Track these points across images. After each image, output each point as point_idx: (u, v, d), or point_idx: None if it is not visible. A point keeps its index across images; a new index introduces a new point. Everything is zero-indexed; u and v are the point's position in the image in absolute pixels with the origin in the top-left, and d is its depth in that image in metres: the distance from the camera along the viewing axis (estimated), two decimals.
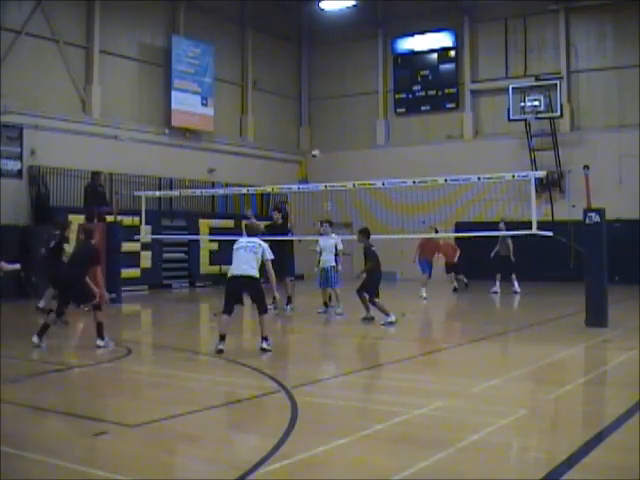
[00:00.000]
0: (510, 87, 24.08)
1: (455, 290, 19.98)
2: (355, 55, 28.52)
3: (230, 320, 9.65)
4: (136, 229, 17.35)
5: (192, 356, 9.80)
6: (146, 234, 17.69)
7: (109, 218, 17.55)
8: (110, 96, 21.98)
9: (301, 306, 15.63)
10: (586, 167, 12.43)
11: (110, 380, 8.22)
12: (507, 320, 14.51)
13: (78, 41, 21.38)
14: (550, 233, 12.07)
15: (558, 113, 23.57)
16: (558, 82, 23.77)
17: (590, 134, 24.15)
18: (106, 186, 20.59)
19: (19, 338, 10.92)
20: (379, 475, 4.74)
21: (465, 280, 20.33)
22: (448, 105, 26.97)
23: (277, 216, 15.49)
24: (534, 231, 11.71)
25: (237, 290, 9.71)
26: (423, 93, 27.41)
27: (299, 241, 16.52)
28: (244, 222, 11.82)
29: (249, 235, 10.07)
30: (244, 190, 18.62)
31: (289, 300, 15.07)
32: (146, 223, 16.24)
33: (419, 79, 27.47)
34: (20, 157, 19.36)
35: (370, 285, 12.74)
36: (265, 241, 10.29)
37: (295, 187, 16.55)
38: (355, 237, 13.46)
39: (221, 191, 22.34)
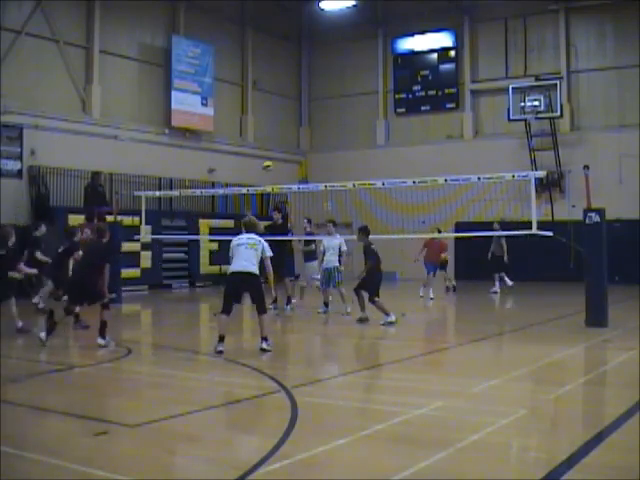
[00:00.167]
0: (510, 87, 24.09)
1: (448, 289, 19.83)
2: (355, 55, 28.54)
3: (229, 320, 9.64)
4: (136, 229, 17.35)
5: (192, 356, 9.80)
6: (146, 234, 17.69)
7: (109, 218, 17.55)
8: (110, 96, 21.99)
9: (301, 306, 15.62)
10: (586, 167, 12.43)
11: (110, 380, 8.22)
12: (507, 320, 14.51)
13: (78, 41, 21.40)
14: (550, 233, 12.06)
15: (558, 113, 23.58)
16: (558, 82, 23.78)
17: (590, 134, 24.16)
18: (106, 186, 20.63)
19: (19, 338, 10.94)
20: (379, 475, 4.73)
21: (453, 283, 20.05)
22: (448, 105, 26.98)
23: (277, 216, 15.50)
24: (534, 231, 11.71)
25: (237, 288, 9.65)
26: (423, 93, 27.43)
27: (299, 241, 16.52)
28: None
29: (248, 231, 10.00)
30: (244, 190, 18.62)
31: (289, 300, 15.08)
32: (146, 223, 16.24)
33: (419, 79, 27.48)
34: (20, 157, 19.38)
35: (370, 284, 12.70)
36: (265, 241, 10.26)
37: (295, 187, 16.55)
38: (355, 237, 13.42)
39: (221, 191, 22.35)
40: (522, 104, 23.63)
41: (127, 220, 18.37)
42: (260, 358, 9.19)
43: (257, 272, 9.60)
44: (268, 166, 15.02)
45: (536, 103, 23.44)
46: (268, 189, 16.68)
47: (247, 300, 10.15)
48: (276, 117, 28.63)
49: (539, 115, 23.59)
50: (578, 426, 6.24)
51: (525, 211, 14.77)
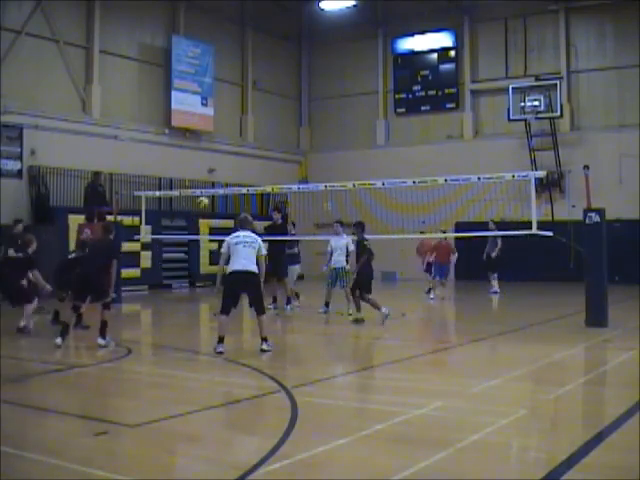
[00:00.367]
0: (510, 87, 24.09)
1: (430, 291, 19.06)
2: (355, 55, 28.53)
3: (229, 321, 9.63)
4: (136, 229, 17.34)
5: (192, 356, 9.80)
6: (146, 234, 17.68)
7: (109, 218, 17.54)
8: (110, 96, 21.98)
9: (301, 306, 15.62)
10: (586, 167, 12.43)
11: (110, 380, 8.22)
12: (507, 320, 14.51)
13: (78, 41, 21.39)
14: (550, 233, 12.06)
15: (558, 113, 23.58)
16: (558, 82, 23.78)
17: (590, 134, 24.16)
18: (106, 186, 20.62)
19: (19, 338, 10.94)
20: (379, 475, 4.74)
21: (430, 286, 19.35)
22: (448, 105, 26.98)
23: (277, 216, 15.50)
24: (534, 231, 11.70)
25: (237, 287, 9.61)
26: (423, 93, 27.42)
27: (299, 241, 16.52)
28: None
29: (243, 228, 9.89)
30: (244, 190, 18.63)
31: (289, 300, 15.08)
32: (146, 223, 16.24)
33: (419, 79, 27.48)
34: (20, 157, 19.37)
35: (363, 280, 12.74)
36: (264, 241, 10.24)
37: (295, 187, 16.55)
38: (355, 237, 13.43)
39: (221, 191, 22.34)
40: (522, 104, 23.63)
41: (127, 220, 18.36)
42: (260, 358, 9.19)
43: (257, 271, 9.60)
44: (202, 202, 15.24)
45: (536, 103, 23.45)
46: (268, 189, 16.69)
47: (245, 301, 10.14)
48: (276, 117, 28.64)
49: (539, 115, 23.59)
50: (578, 426, 6.24)
51: (525, 211, 14.76)
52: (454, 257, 18.63)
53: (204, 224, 23.02)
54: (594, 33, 24.66)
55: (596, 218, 11.90)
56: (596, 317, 11.84)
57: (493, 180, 13.60)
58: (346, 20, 27.59)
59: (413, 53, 27.69)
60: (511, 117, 24.15)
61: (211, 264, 22.94)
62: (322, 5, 27.09)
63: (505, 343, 11.20)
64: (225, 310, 9.52)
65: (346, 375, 8.61)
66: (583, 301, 12.12)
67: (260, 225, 15.39)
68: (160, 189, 22.00)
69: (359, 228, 13.03)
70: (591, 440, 5.43)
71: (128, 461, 5.09)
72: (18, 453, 5.16)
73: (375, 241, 17.76)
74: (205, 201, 15.58)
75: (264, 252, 9.79)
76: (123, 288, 17.32)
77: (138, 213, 16.35)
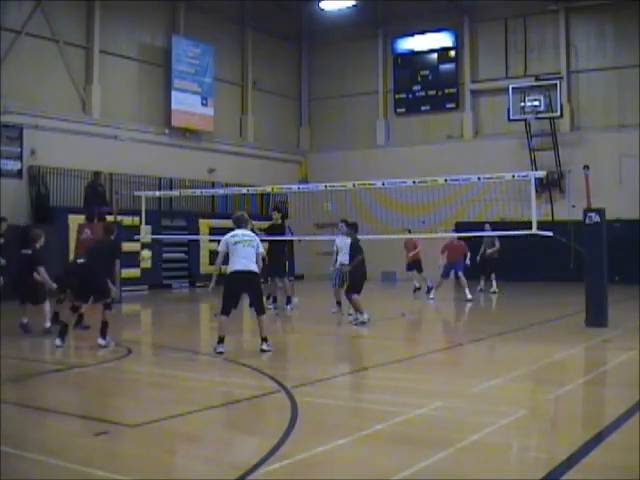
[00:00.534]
0: (510, 87, 24.09)
1: (417, 289, 19.02)
2: (355, 55, 28.54)
3: (229, 321, 9.63)
4: (136, 229, 17.34)
5: (192, 356, 9.80)
6: (146, 234, 17.67)
7: (109, 218, 17.54)
8: (110, 96, 21.98)
9: (301, 306, 15.63)
10: (586, 167, 12.43)
11: (110, 380, 8.22)
12: (507, 320, 14.51)
13: (78, 41, 21.39)
14: (550, 233, 12.05)
15: (558, 113, 23.58)
16: (558, 82, 23.78)
17: (590, 134, 24.17)
18: (106, 186, 20.60)
19: (19, 338, 10.94)
20: (379, 475, 4.74)
21: (417, 285, 19.05)
22: (448, 105, 26.99)
23: (276, 216, 15.49)
24: (534, 231, 11.69)
25: (237, 287, 9.58)
26: (423, 93, 27.43)
27: (299, 241, 16.52)
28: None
29: (240, 227, 9.85)
30: (244, 190, 18.63)
31: (289, 300, 15.07)
32: (146, 223, 16.23)
33: (419, 79, 27.49)
34: (20, 157, 19.38)
35: (354, 280, 12.77)
36: (265, 241, 10.21)
37: (295, 187, 16.55)
38: (350, 238, 13.41)
39: (221, 191, 22.35)
40: (522, 104, 23.63)
41: (127, 220, 18.36)
42: (260, 358, 9.19)
43: (257, 270, 9.58)
44: (143, 256, 15.35)
45: (536, 103, 23.45)
46: (268, 189, 16.69)
47: (245, 301, 10.14)
48: (276, 117, 28.64)
49: (539, 115, 23.59)
50: (578, 426, 6.24)
51: (525, 211, 14.75)
52: (412, 254, 18.61)
53: (204, 224, 23.03)
54: (594, 33, 24.67)
55: (596, 218, 11.89)
56: (596, 317, 11.83)
57: (493, 180, 13.60)
58: (346, 20, 27.59)
59: (413, 53, 27.70)
60: (511, 117, 24.15)
61: (211, 264, 22.91)
62: (322, 5, 27.09)
63: (505, 343, 11.20)
64: (225, 310, 9.50)
65: (346, 375, 8.61)
66: (583, 301, 12.11)
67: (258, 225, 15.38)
68: (160, 189, 22.00)
69: (353, 229, 13.05)
70: (591, 440, 5.43)
71: (128, 461, 5.09)
72: (18, 453, 5.15)
73: (375, 241, 17.85)
74: (146, 255, 15.63)
75: (261, 250, 9.80)
76: (123, 288, 17.31)
77: (138, 213, 16.34)
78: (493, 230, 18.37)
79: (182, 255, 23.03)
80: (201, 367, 9.15)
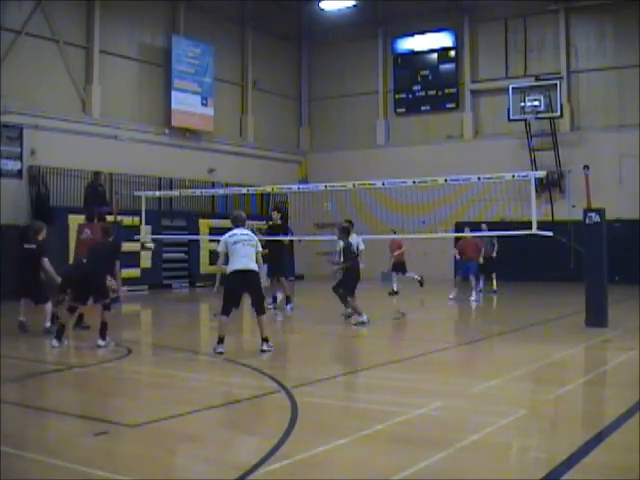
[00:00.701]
0: (510, 87, 24.10)
1: (393, 293, 18.79)
2: (355, 55, 28.54)
3: (229, 321, 9.63)
4: (136, 229, 17.33)
5: (192, 356, 9.80)
6: (146, 234, 17.67)
7: (109, 218, 17.53)
8: (110, 96, 21.98)
9: (301, 306, 15.62)
10: (586, 167, 12.43)
11: (110, 380, 8.22)
12: (507, 320, 14.51)
13: (78, 41, 21.39)
14: (550, 233, 12.06)
15: (558, 113, 23.59)
16: (558, 82, 23.78)
17: (590, 134, 24.16)
18: (106, 186, 20.61)
19: (19, 338, 10.94)
20: (379, 475, 4.74)
21: (417, 277, 18.63)
22: (448, 105, 26.99)
23: (276, 216, 15.49)
24: (534, 231, 11.70)
25: (238, 287, 9.57)
26: (423, 93, 27.43)
27: (299, 241, 16.51)
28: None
29: (238, 226, 9.83)
30: (244, 190, 18.63)
31: (289, 300, 15.07)
32: (146, 223, 16.23)
33: (419, 79, 27.49)
34: (20, 157, 19.37)
35: (347, 283, 12.77)
36: (265, 241, 10.21)
37: (295, 187, 16.55)
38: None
39: (221, 191, 22.34)
40: (522, 104, 23.64)
41: (127, 220, 18.35)
42: (260, 358, 9.19)
43: (257, 269, 9.59)
44: (148, 246, 15.18)
45: (536, 103, 23.45)
46: (268, 189, 16.69)
47: (246, 301, 10.14)
48: (276, 117, 28.64)
49: (539, 115, 23.59)
50: (578, 426, 6.24)
51: (525, 211, 14.75)
52: (397, 254, 18.48)
53: (204, 224, 23.02)
54: (594, 33, 24.66)
55: (596, 218, 11.89)
56: (596, 317, 11.83)
57: (493, 180, 13.60)
58: (346, 20, 27.60)
59: (413, 53, 27.70)
60: (511, 117, 24.15)
61: (211, 264, 22.90)
62: (322, 5, 27.11)
63: (505, 343, 11.20)
64: (226, 311, 9.49)
65: (346, 375, 8.61)
66: (583, 301, 12.11)
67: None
68: (160, 189, 21.99)
69: (345, 234, 13.06)
70: (591, 440, 5.43)
71: (128, 461, 5.09)
72: (18, 453, 5.15)
73: (375, 241, 17.85)
74: (149, 245, 15.44)
75: (260, 248, 9.82)
76: (123, 288, 17.29)
77: (138, 213, 16.34)
78: (494, 230, 18.34)
79: (182, 255, 23.02)
80: (201, 367, 9.15)
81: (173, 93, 23.71)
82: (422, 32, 27.26)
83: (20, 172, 19.36)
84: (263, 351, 9.45)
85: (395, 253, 18.74)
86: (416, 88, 27.54)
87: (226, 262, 9.70)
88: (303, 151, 29.75)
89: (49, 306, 11.40)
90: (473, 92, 26.61)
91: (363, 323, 12.47)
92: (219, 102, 25.53)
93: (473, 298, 17.22)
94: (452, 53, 27.02)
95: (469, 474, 4.79)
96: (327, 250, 15.20)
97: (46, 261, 11.34)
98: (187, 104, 24.09)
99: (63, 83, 20.97)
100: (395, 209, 21.51)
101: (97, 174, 19.82)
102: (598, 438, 5.51)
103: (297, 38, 29.89)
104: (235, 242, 9.55)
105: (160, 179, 22.85)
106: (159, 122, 23.68)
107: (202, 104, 24.65)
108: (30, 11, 19.91)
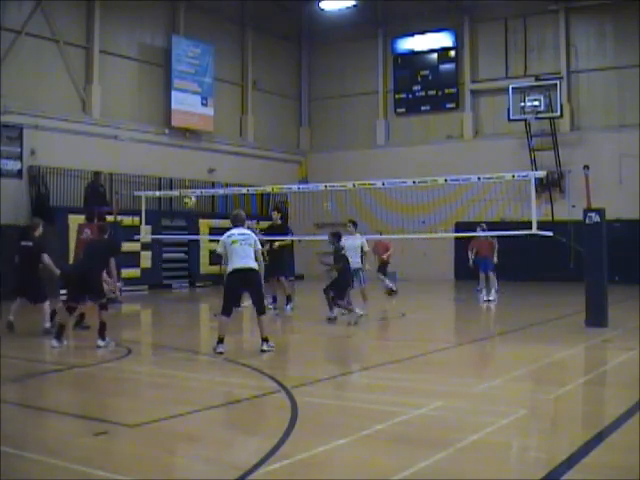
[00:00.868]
0: (510, 87, 24.09)
1: (392, 293, 18.65)
2: (355, 55, 28.53)
3: (229, 321, 9.63)
4: (136, 229, 17.33)
5: (192, 356, 9.80)
6: (146, 234, 17.67)
7: (109, 218, 17.54)
8: (110, 96, 21.98)
9: (301, 306, 15.62)
10: (586, 167, 12.43)
11: (110, 380, 8.22)
12: (507, 320, 14.52)
13: (78, 41, 21.39)
14: (550, 233, 12.05)
15: (558, 113, 23.58)
16: (558, 82, 23.78)
17: (590, 134, 24.16)
18: (106, 186, 20.62)
19: (19, 338, 10.94)
20: (379, 475, 4.74)
21: (392, 286, 18.58)
22: (448, 105, 26.99)
23: (276, 216, 15.49)
24: (534, 231, 11.69)
25: (238, 286, 9.59)
26: (423, 93, 27.43)
27: (299, 241, 16.50)
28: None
29: (236, 226, 9.82)
30: (244, 190, 18.62)
31: (289, 300, 15.06)
32: (146, 223, 16.23)
33: (419, 79, 27.49)
34: (20, 157, 19.37)
35: (337, 286, 12.78)
36: (265, 241, 10.21)
37: (295, 187, 16.54)
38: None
39: (221, 191, 22.33)
40: (522, 104, 23.63)
41: (127, 220, 18.36)
42: (260, 358, 9.19)
43: (257, 268, 9.59)
44: (188, 202, 15.10)
45: (536, 103, 23.44)
46: (268, 189, 16.69)
47: (247, 300, 10.14)
48: (276, 117, 28.64)
49: (539, 115, 23.59)
50: (578, 426, 6.24)
51: (525, 211, 14.75)
52: (385, 256, 18.38)
53: (204, 224, 23.03)
54: (594, 33, 24.66)
55: (596, 218, 11.89)
56: (596, 317, 11.83)
57: (493, 180, 13.59)
58: (346, 20, 27.60)
59: (413, 53, 27.70)
60: (511, 117, 24.15)
61: (211, 264, 22.94)
62: (322, 5, 27.10)
63: (505, 343, 11.20)
64: (226, 311, 9.50)
65: (346, 375, 8.61)
66: (583, 301, 12.11)
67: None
68: (160, 189, 21.99)
69: (336, 238, 13.06)
70: (591, 440, 5.42)
71: (128, 461, 5.09)
72: (18, 453, 5.15)
73: (375, 241, 17.85)
74: (190, 201, 15.28)
75: (259, 247, 9.82)
76: (123, 288, 17.32)
77: (138, 213, 16.33)
78: (494, 230, 18.29)
79: (182, 255, 23.03)
80: (201, 367, 9.15)
81: (173, 93, 23.71)
82: (422, 32, 27.25)
83: (20, 172, 19.36)
84: (263, 351, 9.44)
85: (384, 255, 18.55)
86: (416, 88, 27.53)
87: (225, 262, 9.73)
88: (303, 151, 29.75)
89: (47, 305, 11.40)
90: (473, 92, 26.61)
91: (361, 316, 12.47)
92: (219, 102, 25.52)
93: (492, 298, 17.04)
94: (452, 53, 27.01)
95: (469, 474, 4.79)
96: (326, 250, 15.17)
97: (46, 256, 11.36)
98: (187, 104, 24.09)
99: (63, 83, 20.97)
100: (395, 209, 21.53)
101: (97, 174, 19.82)
102: (598, 438, 5.51)
103: (297, 38, 29.89)
104: (233, 242, 9.56)
105: (160, 179, 22.85)
106: (159, 122, 23.68)
107: (202, 104, 24.65)
108: (30, 11, 19.91)
